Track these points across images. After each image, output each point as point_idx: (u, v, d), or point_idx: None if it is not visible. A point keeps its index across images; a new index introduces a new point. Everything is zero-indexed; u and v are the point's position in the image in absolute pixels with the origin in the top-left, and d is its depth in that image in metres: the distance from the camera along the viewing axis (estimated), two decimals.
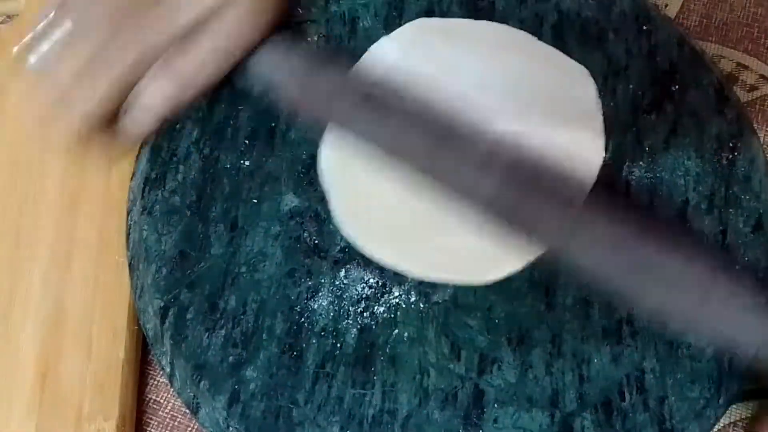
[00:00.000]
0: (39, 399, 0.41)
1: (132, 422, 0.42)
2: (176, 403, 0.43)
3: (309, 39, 0.45)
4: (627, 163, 0.42)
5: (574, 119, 0.42)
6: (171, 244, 0.41)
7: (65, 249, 0.44)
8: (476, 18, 0.45)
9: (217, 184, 0.42)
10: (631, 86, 0.44)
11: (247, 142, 0.45)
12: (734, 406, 0.38)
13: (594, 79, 0.43)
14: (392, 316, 0.39)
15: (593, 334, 0.39)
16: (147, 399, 0.43)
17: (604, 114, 0.43)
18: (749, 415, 0.40)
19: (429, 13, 0.46)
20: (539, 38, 0.45)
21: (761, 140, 0.44)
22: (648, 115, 0.43)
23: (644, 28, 0.45)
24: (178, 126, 0.45)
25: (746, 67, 0.51)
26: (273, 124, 0.45)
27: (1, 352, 0.42)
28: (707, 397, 0.37)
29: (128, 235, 0.43)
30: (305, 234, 0.41)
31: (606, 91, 0.44)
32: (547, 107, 0.42)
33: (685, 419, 0.37)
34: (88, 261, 0.43)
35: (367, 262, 0.39)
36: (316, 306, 0.40)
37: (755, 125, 0.45)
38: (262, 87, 0.39)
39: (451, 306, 0.39)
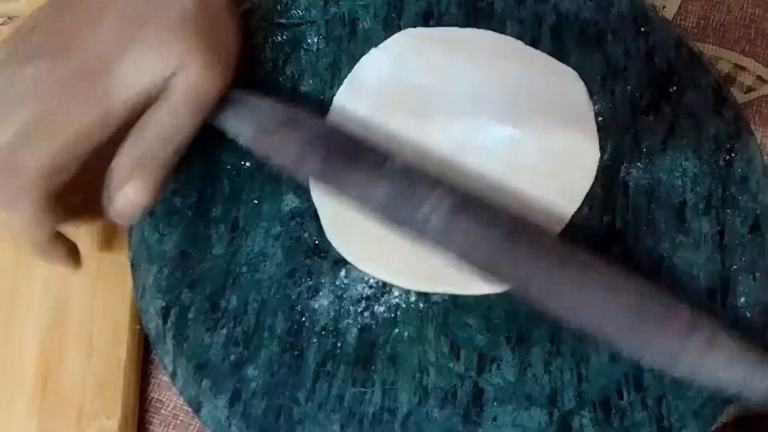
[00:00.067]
0: (40, 399, 0.41)
1: (134, 421, 0.42)
2: (178, 401, 0.43)
3: (305, 45, 0.46)
4: (625, 164, 0.42)
5: (566, 122, 0.42)
6: (172, 244, 0.42)
7: None
8: (475, 19, 0.46)
9: (218, 185, 0.43)
10: (628, 87, 0.44)
11: None
12: (732, 404, 0.38)
13: (592, 80, 0.44)
14: (392, 315, 0.39)
15: None
16: (149, 398, 0.43)
17: (601, 115, 0.43)
18: (747, 414, 0.40)
19: (428, 14, 0.46)
20: (538, 39, 0.45)
21: (758, 141, 0.45)
22: (646, 116, 0.43)
23: (642, 29, 0.46)
24: None
25: (743, 69, 0.51)
26: None
27: (2, 351, 0.42)
28: (705, 396, 0.37)
29: (130, 235, 0.43)
30: (306, 234, 0.41)
31: (604, 92, 0.44)
32: (539, 111, 0.42)
33: (683, 417, 0.37)
34: (89, 261, 0.43)
35: None
36: (316, 305, 0.40)
37: (752, 126, 0.45)
38: (233, 138, 0.40)
39: (450, 306, 0.39)
